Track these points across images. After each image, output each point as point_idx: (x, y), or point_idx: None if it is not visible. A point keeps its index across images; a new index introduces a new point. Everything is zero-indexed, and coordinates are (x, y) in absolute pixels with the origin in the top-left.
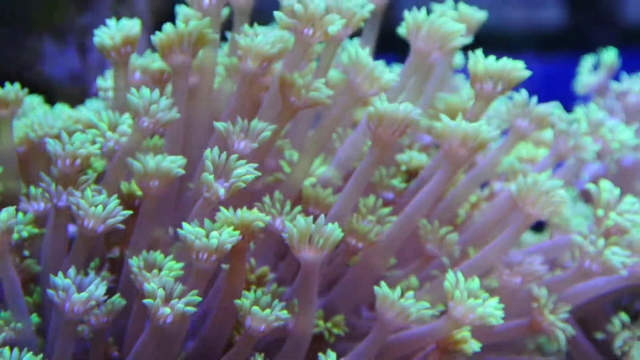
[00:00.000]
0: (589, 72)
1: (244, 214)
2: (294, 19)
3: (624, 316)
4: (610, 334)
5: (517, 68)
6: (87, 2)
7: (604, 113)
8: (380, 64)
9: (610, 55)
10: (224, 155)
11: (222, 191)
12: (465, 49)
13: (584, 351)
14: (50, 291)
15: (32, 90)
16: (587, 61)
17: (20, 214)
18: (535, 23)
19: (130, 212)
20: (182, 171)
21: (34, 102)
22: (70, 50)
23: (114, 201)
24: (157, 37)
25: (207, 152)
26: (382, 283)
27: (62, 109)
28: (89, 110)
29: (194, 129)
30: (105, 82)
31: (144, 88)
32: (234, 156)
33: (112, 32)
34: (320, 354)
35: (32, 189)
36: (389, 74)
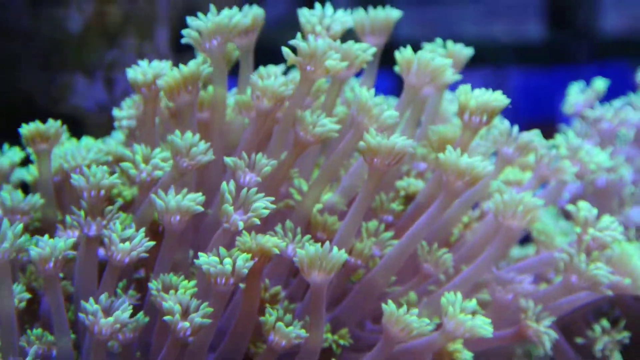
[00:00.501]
0: (576, 94)
1: (262, 240)
2: (299, 56)
3: (604, 322)
4: (590, 339)
5: (498, 99)
6: (113, 40)
7: (581, 139)
8: (382, 102)
9: (599, 84)
10: (242, 188)
11: (241, 224)
12: None
13: (566, 356)
14: (81, 315)
15: (65, 121)
16: (575, 85)
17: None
18: (517, 36)
19: (153, 243)
20: (201, 208)
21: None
22: (98, 84)
23: (140, 234)
24: (163, 81)
25: (224, 185)
26: (389, 301)
27: (91, 141)
28: (115, 141)
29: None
30: (121, 112)
31: (188, 132)
32: (253, 190)
33: (144, 70)
34: None
35: (68, 218)
36: (389, 111)
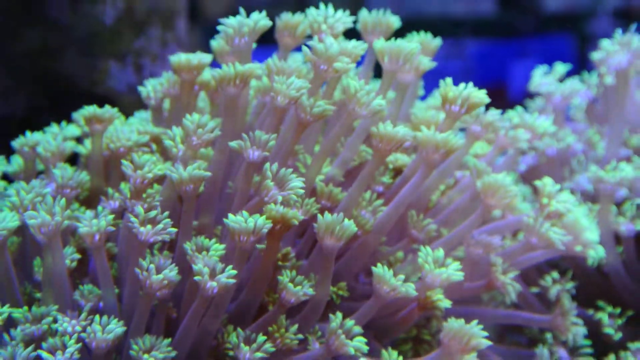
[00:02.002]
0: (540, 76)
1: (284, 211)
2: (315, 55)
3: (555, 274)
4: (544, 287)
5: (479, 95)
6: (141, 30)
7: (535, 113)
8: (371, 90)
9: (560, 67)
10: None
11: (280, 198)
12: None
13: (527, 300)
14: (137, 270)
15: (101, 100)
16: (540, 68)
17: (100, 209)
18: (474, 13)
19: (175, 230)
20: (209, 174)
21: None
22: (129, 68)
23: (165, 220)
24: (217, 73)
25: (267, 165)
26: (379, 264)
27: (134, 121)
28: (139, 119)
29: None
30: (148, 88)
31: (195, 114)
32: (289, 170)
33: (189, 57)
34: (330, 315)
35: (110, 190)
36: (377, 100)
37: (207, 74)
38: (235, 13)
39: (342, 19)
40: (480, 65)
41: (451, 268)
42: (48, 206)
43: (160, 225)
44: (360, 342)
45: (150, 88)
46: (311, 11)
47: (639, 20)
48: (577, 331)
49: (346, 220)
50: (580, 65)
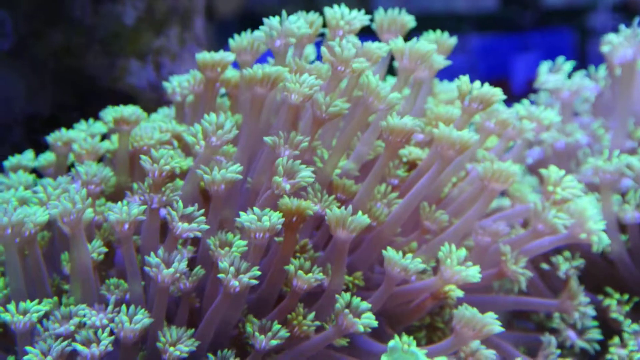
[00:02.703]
0: (545, 73)
1: (299, 203)
2: (333, 57)
3: (566, 253)
4: (554, 265)
5: (495, 93)
6: (160, 29)
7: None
8: (386, 86)
9: (567, 65)
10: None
11: (287, 187)
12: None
13: (535, 286)
14: (146, 267)
15: (122, 97)
16: (545, 65)
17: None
18: (477, 9)
19: (208, 227)
20: (240, 177)
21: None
22: (149, 66)
23: (200, 218)
24: (249, 73)
25: (279, 160)
26: (389, 248)
27: (157, 118)
28: (163, 115)
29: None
30: (173, 84)
31: (213, 114)
32: (298, 162)
33: (213, 55)
34: (337, 296)
35: (135, 185)
36: (394, 94)
37: (230, 72)
38: (246, 12)
39: (360, 17)
40: (483, 59)
41: (471, 270)
42: (70, 196)
43: (195, 224)
44: (368, 319)
45: (175, 84)
46: (328, 10)
47: (638, 13)
48: (585, 312)
49: (359, 213)
50: (581, 58)
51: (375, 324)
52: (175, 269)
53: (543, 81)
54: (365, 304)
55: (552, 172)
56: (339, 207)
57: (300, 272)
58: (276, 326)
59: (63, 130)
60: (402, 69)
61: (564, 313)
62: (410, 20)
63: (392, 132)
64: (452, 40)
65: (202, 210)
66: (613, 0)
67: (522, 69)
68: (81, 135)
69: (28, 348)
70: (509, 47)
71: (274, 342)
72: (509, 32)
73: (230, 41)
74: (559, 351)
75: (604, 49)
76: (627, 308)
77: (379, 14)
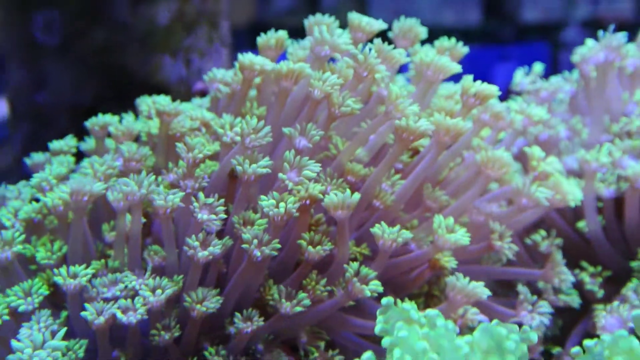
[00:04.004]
0: (521, 76)
1: (311, 188)
2: (356, 62)
3: (543, 232)
4: (535, 242)
5: (491, 91)
6: (190, 29)
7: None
8: (406, 95)
9: (538, 67)
10: (299, 152)
11: (290, 185)
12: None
13: (521, 258)
14: (185, 248)
15: (155, 90)
16: (521, 70)
17: (159, 179)
18: (461, 22)
19: (226, 217)
20: (269, 171)
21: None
22: (180, 63)
23: (220, 207)
24: (277, 68)
25: (286, 154)
26: (376, 225)
27: (188, 107)
28: (195, 107)
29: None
30: (211, 75)
31: (254, 118)
32: (306, 158)
33: (253, 58)
34: (345, 265)
35: (170, 164)
36: (412, 107)
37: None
38: (256, 22)
39: (378, 23)
40: (467, 67)
41: (459, 233)
42: (139, 179)
43: (213, 216)
44: (375, 285)
45: (219, 77)
46: (353, 15)
47: (604, 28)
48: (565, 278)
49: (356, 195)
50: (553, 67)
51: (381, 289)
52: (210, 252)
53: (517, 83)
54: (372, 273)
55: (535, 150)
56: (349, 189)
57: (309, 247)
58: (301, 295)
59: (100, 115)
60: (425, 78)
61: (546, 280)
62: (423, 31)
63: (405, 131)
64: (464, 49)
65: (222, 201)
66: (582, 17)
67: (501, 77)
68: (115, 118)
69: (87, 305)
70: (490, 57)
71: (298, 309)
72: (490, 44)
73: (258, 39)
74: (534, 297)
75: (575, 58)
76: (600, 280)
77: (397, 23)
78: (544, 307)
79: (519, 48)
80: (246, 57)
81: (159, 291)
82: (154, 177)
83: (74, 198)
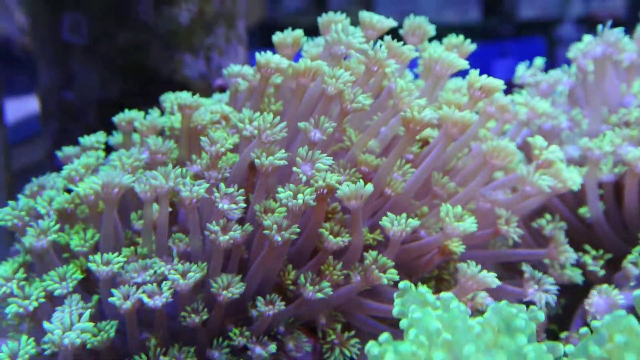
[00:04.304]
0: (523, 69)
1: (328, 177)
2: (367, 58)
3: (548, 216)
4: (540, 226)
5: (497, 83)
6: (210, 29)
7: (532, 96)
8: (413, 89)
9: (540, 60)
10: (311, 150)
11: (304, 178)
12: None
13: (526, 241)
14: (206, 232)
15: (178, 86)
16: (523, 64)
17: (183, 171)
18: (463, 20)
19: (246, 205)
20: (285, 162)
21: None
22: (200, 60)
23: (240, 199)
24: (296, 66)
25: (300, 150)
26: (384, 217)
27: (208, 102)
28: (216, 102)
29: (294, 119)
30: (230, 70)
31: (270, 114)
32: (318, 152)
33: (270, 58)
34: (365, 253)
35: (194, 156)
36: (418, 100)
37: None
38: (266, 23)
39: (388, 21)
40: (469, 63)
41: (467, 221)
42: (166, 172)
43: (234, 205)
44: (392, 274)
45: (232, 70)
46: (364, 13)
47: (597, 25)
48: (569, 256)
49: (369, 185)
50: (550, 62)
51: (397, 278)
52: (231, 236)
53: (520, 76)
54: (390, 262)
55: (538, 139)
56: (362, 179)
57: (330, 236)
58: (324, 283)
59: (126, 111)
60: (434, 74)
61: (551, 258)
62: (431, 29)
63: (412, 122)
64: (471, 47)
65: (242, 190)
66: (577, 14)
67: (501, 72)
68: (140, 114)
69: (113, 291)
70: (490, 53)
71: (320, 295)
72: (490, 41)
73: (274, 37)
74: (540, 274)
75: (572, 53)
76: (601, 262)
77: (408, 21)
78: (549, 283)
79: (517, 44)
80: (263, 57)
81: (190, 274)
82: (179, 169)
83: (104, 190)
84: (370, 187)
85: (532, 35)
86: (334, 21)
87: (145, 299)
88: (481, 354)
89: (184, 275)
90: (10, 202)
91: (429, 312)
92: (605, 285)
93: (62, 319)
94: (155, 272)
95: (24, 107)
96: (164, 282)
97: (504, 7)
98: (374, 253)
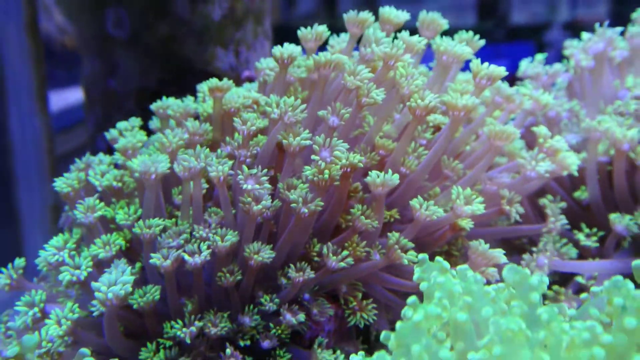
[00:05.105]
0: (526, 64)
1: (352, 157)
2: (386, 53)
3: (549, 196)
4: (543, 204)
5: (500, 71)
6: (239, 25)
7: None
8: (415, 75)
9: (539, 56)
10: (328, 138)
11: (322, 164)
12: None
13: (529, 217)
14: (240, 204)
15: (210, 77)
16: (525, 59)
17: (219, 152)
18: (459, 25)
19: (271, 187)
20: (310, 143)
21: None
22: (230, 53)
23: (264, 176)
24: (317, 58)
25: (317, 138)
26: (414, 199)
27: (240, 90)
28: (246, 89)
29: (318, 107)
30: (261, 64)
31: (291, 98)
32: (336, 139)
33: (283, 50)
34: (388, 233)
35: (227, 138)
36: (417, 81)
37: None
38: (279, 25)
39: (403, 14)
40: (465, 64)
41: (476, 203)
42: (196, 153)
43: (258, 186)
44: (412, 255)
45: (263, 65)
46: (384, 9)
47: (582, 30)
48: (561, 219)
49: (389, 172)
50: None
51: (415, 260)
52: (263, 205)
53: (524, 70)
54: (411, 244)
55: (541, 128)
56: (380, 161)
57: (362, 217)
58: (345, 252)
59: (164, 98)
60: (441, 63)
61: (548, 230)
62: (444, 23)
63: (417, 108)
64: (480, 42)
65: (266, 171)
66: (563, 20)
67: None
68: (177, 101)
69: (152, 254)
70: (485, 54)
71: (342, 265)
72: (485, 44)
73: (299, 32)
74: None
75: (566, 51)
76: (594, 238)
77: (422, 15)
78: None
79: (510, 47)
80: (277, 49)
81: (227, 237)
82: (207, 150)
83: (143, 177)
84: (396, 177)
85: (524, 39)
86: (360, 21)
87: (187, 257)
88: (498, 316)
89: (222, 238)
90: (65, 174)
91: (450, 277)
92: (542, 244)
93: (108, 279)
94: (192, 235)
95: (63, 99)
96: (202, 244)
97: (498, 12)
98: (396, 234)
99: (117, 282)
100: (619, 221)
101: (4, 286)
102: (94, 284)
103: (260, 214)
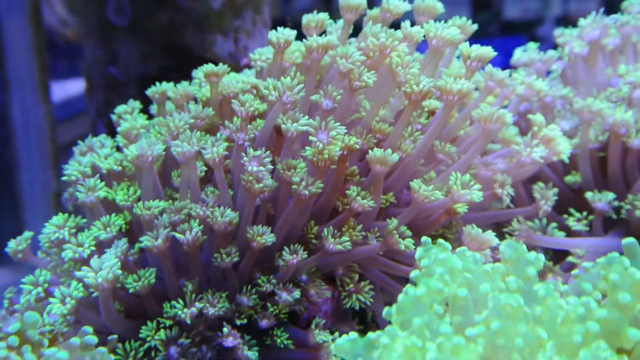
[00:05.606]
0: (519, 52)
1: (347, 139)
2: (381, 44)
3: (541, 184)
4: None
5: (489, 52)
6: (238, 13)
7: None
8: (410, 63)
9: (531, 45)
10: (324, 121)
11: (321, 145)
12: None
13: (522, 200)
14: (242, 182)
15: (210, 63)
16: (519, 48)
17: (218, 135)
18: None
19: (272, 167)
20: (307, 128)
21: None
22: (230, 40)
23: (267, 157)
24: (308, 42)
25: (310, 120)
26: (414, 180)
27: (238, 76)
28: (246, 76)
29: (312, 90)
30: (255, 55)
31: (288, 78)
32: (332, 121)
33: (279, 34)
34: (387, 219)
35: (227, 122)
36: (413, 69)
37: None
38: (279, 19)
39: (403, 4)
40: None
41: (474, 190)
42: (187, 137)
43: (262, 167)
44: (409, 242)
45: (257, 56)
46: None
47: (573, 25)
48: (550, 197)
49: (389, 151)
50: None
51: (412, 247)
52: (264, 184)
53: (518, 58)
54: (409, 232)
55: (538, 116)
56: (377, 144)
57: (358, 197)
58: (344, 238)
59: (157, 83)
60: (432, 47)
61: (537, 209)
62: (440, 7)
63: (412, 93)
64: (473, 27)
65: (269, 152)
66: (555, 15)
67: (492, 65)
68: (170, 85)
69: (141, 238)
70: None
71: (339, 247)
72: (478, 38)
73: (303, 18)
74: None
75: (560, 40)
76: (585, 222)
77: (418, 1)
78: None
79: (503, 42)
80: (273, 33)
81: (226, 214)
82: (198, 133)
83: (140, 159)
84: (396, 156)
85: (517, 34)
86: (354, 6)
87: (178, 235)
88: (496, 292)
89: (221, 215)
90: (70, 161)
91: (451, 254)
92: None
93: (96, 263)
94: (189, 213)
95: (65, 89)
96: (193, 221)
97: (492, 7)
98: (395, 221)
99: (104, 265)
100: (598, 199)
101: (16, 253)
102: (77, 273)
103: (261, 192)
